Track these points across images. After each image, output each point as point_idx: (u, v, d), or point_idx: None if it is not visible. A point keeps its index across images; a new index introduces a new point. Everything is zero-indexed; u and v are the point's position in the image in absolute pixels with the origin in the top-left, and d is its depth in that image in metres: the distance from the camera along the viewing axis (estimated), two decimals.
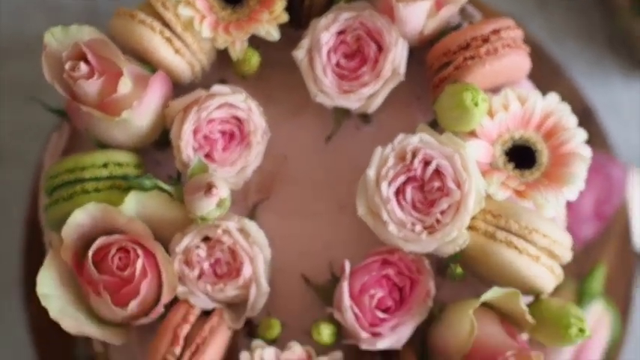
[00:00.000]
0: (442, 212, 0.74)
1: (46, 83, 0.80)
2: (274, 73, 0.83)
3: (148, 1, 0.78)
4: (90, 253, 0.73)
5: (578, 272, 1.06)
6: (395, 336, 0.75)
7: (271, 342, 0.77)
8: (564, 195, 0.77)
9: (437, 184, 0.75)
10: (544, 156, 0.78)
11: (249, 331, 0.79)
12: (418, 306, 0.76)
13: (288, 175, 0.82)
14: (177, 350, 0.74)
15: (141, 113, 0.76)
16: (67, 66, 0.75)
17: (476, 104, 0.75)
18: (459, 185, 0.74)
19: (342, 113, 0.82)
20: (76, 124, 0.79)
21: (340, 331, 0.77)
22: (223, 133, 0.78)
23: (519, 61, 0.79)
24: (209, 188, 0.74)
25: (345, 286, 0.75)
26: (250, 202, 0.82)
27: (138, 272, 0.73)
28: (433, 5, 0.78)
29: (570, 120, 0.79)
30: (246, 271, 0.76)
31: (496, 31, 0.78)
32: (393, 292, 0.76)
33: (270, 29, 0.79)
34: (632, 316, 1.05)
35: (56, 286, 0.74)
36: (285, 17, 0.79)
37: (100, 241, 0.73)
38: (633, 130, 1.23)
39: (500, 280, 0.76)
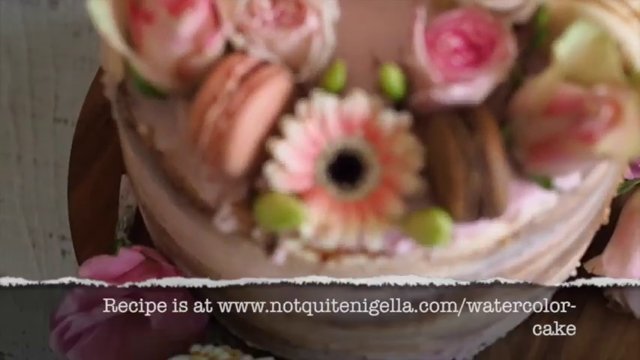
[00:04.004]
0: None
1: None
2: None
3: None
4: None
5: None
6: (471, 87, 0.68)
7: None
8: None
9: None
10: None
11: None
12: (497, 62, 0.69)
13: None
14: (231, 85, 0.67)
15: None
16: None
17: None
18: None
19: None
20: None
21: (410, 84, 0.70)
22: None
23: None
24: None
25: (418, 27, 0.69)
26: None
27: None
28: None
29: None
30: (312, 22, 0.70)
31: None
32: (470, 50, 0.69)
33: None
34: None
35: (109, 17, 0.69)
36: None
37: None
38: None
39: None
